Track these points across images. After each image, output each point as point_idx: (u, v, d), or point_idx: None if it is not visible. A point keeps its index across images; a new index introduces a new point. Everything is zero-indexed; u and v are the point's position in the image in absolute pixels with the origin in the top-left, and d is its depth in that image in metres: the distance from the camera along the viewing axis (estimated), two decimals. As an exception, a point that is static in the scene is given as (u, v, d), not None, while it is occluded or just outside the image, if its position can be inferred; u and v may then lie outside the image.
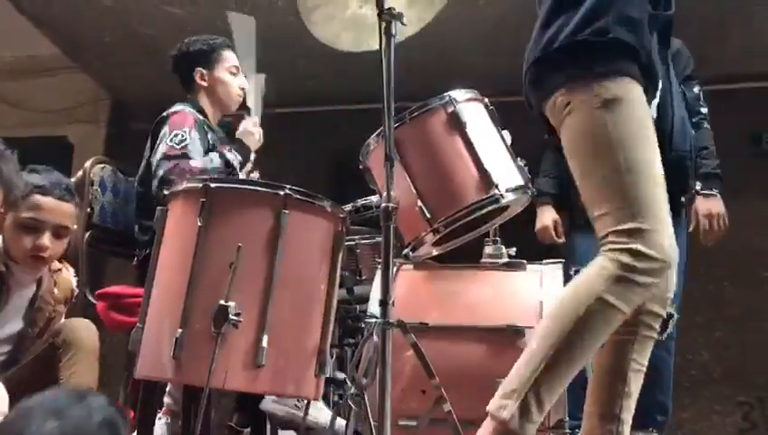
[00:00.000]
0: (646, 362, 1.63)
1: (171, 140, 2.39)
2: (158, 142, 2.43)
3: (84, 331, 2.09)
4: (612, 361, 1.61)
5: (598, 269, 1.55)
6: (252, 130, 2.60)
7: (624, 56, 1.61)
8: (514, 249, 2.13)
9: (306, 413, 2.08)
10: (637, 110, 1.60)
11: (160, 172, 2.32)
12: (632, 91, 1.61)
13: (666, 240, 1.55)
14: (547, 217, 3.09)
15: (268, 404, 2.25)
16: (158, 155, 2.38)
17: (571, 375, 1.53)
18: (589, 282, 1.54)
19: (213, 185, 1.62)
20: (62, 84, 4.99)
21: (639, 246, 1.52)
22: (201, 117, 2.57)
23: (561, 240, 3.07)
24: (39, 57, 4.95)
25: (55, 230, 2.05)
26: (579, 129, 1.63)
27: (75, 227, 2.17)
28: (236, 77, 2.70)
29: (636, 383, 1.62)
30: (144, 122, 2.91)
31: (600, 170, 1.59)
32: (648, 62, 1.64)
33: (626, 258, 1.52)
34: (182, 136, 2.40)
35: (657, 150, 1.60)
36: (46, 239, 2.02)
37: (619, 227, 1.55)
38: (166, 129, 2.44)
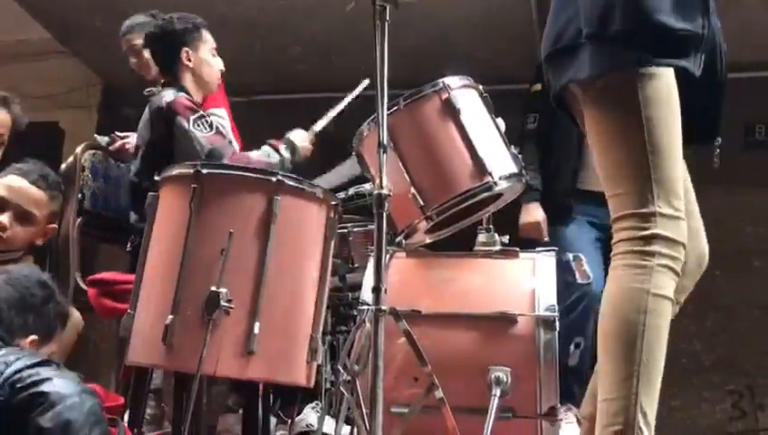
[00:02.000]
0: None
1: (198, 127, 2.34)
2: (179, 139, 2.37)
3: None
4: None
5: (632, 268, 1.55)
6: (308, 144, 2.61)
7: (662, 42, 1.58)
8: (507, 237, 2.12)
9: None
10: (670, 95, 1.59)
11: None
12: (667, 76, 1.59)
13: (684, 225, 1.56)
14: (538, 213, 3.04)
15: None
16: (202, 148, 2.33)
17: (660, 376, 1.53)
18: (631, 285, 1.54)
19: (204, 171, 1.61)
20: (53, 69, 4.94)
21: (661, 231, 1.53)
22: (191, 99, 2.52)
23: (546, 238, 3.04)
24: (29, 42, 4.90)
25: (19, 213, 2.02)
26: (608, 108, 1.62)
27: (45, 219, 2.13)
28: (216, 58, 2.66)
29: None
30: (136, 107, 2.88)
31: (624, 148, 1.58)
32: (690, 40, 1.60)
33: (653, 246, 1.53)
34: (208, 119, 2.39)
35: (679, 128, 1.59)
36: (5, 218, 2.00)
37: (640, 210, 1.55)
38: (179, 120, 2.37)
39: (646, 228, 1.54)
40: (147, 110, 2.57)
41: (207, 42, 2.65)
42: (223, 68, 2.66)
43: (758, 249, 4.26)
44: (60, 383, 1.38)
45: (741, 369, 4.11)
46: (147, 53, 2.82)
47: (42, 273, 1.77)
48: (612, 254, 1.62)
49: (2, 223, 2.00)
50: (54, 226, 2.21)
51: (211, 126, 2.37)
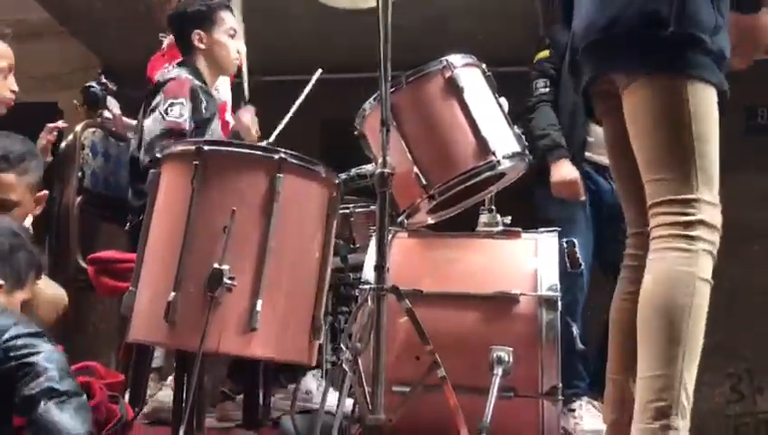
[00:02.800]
0: None
1: (168, 112, 2.33)
2: (151, 109, 2.39)
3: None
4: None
5: (679, 252, 1.59)
6: (249, 124, 2.56)
7: (720, 65, 1.67)
8: (509, 218, 2.12)
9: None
10: (714, 107, 1.65)
11: (156, 148, 2.27)
12: (713, 95, 1.65)
13: (719, 212, 1.63)
14: (572, 169, 2.83)
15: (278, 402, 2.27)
16: (155, 124, 2.32)
17: (699, 355, 1.59)
18: (681, 268, 1.59)
19: (206, 148, 1.60)
20: (52, 50, 4.91)
21: (703, 217, 1.59)
22: (198, 82, 2.50)
23: (583, 198, 2.86)
24: (28, 22, 4.86)
25: None
26: (658, 95, 1.65)
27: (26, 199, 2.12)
28: (234, 39, 2.63)
29: None
30: (135, 89, 2.86)
31: (671, 132, 1.63)
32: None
33: (696, 232, 1.59)
34: (180, 110, 2.35)
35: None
36: None
37: (684, 196, 1.60)
38: (161, 96, 2.38)
39: (689, 214, 1.59)
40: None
41: (224, 22, 2.61)
42: (244, 48, 2.64)
43: (759, 233, 4.27)
44: (49, 357, 1.48)
45: (740, 353, 4.13)
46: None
47: (13, 223, 1.87)
48: (652, 237, 1.65)
49: None
50: (44, 192, 2.20)
51: (181, 115, 2.34)
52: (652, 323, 1.60)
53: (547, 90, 2.98)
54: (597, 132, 2.83)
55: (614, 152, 1.89)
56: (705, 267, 1.59)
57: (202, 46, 2.59)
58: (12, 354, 1.46)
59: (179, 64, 2.61)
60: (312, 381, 2.56)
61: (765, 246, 4.28)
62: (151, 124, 2.35)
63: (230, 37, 2.63)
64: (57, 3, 4.46)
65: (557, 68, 2.96)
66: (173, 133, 2.29)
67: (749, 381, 4.13)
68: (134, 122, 2.82)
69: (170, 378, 2.73)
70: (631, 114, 1.70)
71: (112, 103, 2.80)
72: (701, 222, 1.59)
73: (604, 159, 2.60)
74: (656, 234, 1.64)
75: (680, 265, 1.59)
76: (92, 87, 2.76)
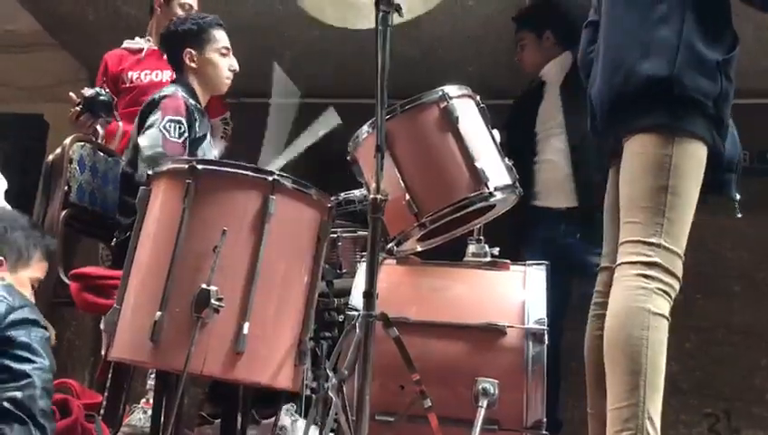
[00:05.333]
0: None
1: (168, 129, 2.31)
2: (148, 125, 2.35)
3: None
4: None
5: (635, 289, 1.74)
6: None
7: (717, 127, 1.85)
8: (498, 249, 2.12)
9: None
10: (702, 163, 1.83)
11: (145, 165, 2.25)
12: (699, 153, 1.82)
13: (681, 263, 1.78)
14: None
15: None
16: (153, 141, 2.30)
17: (662, 385, 1.71)
18: (636, 305, 1.73)
19: (200, 166, 1.58)
20: (41, 61, 4.87)
21: (661, 261, 1.74)
22: (193, 101, 2.49)
23: None
24: (18, 32, 4.83)
25: None
26: (646, 147, 1.82)
27: None
28: (226, 58, 2.61)
29: None
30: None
31: (649, 182, 1.80)
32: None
33: (653, 272, 1.74)
34: (182, 127, 2.35)
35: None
36: None
37: (647, 239, 1.76)
38: (159, 114, 2.35)
39: (649, 255, 1.75)
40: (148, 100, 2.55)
41: (215, 41, 2.60)
42: (236, 67, 2.62)
43: (739, 274, 4.30)
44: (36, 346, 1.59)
45: (718, 392, 4.13)
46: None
47: (9, 209, 2.10)
48: (615, 274, 1.81)
49: None
50: None
51: (180, 136, 2.34)
52: (614, 357, 1.74)
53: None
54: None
55: (610, 197, 2.07)
56: (660, 305, 1.73)
57: (193, 65, 2.57)
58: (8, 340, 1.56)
59: (174, 82, 2.60)
60: (285, 417, 2.53)
61: (744, 287, 4.32)
62: (152, 140, 2.31)
63: (222, 56, 2.60)
64: (49, 14, 4.43)
65: None
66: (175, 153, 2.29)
67: (727, 421, 4.14)
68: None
69: (143, 400, 2.68)
70: (623, 163, 1.88)
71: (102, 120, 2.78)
72: (658, 265, 1.74)
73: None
74: (618, 271, 1.81)
75: (636, 302, 1.73)
76: (102, 94, 2.73)
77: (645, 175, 1.81)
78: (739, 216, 1.97)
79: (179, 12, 3.00)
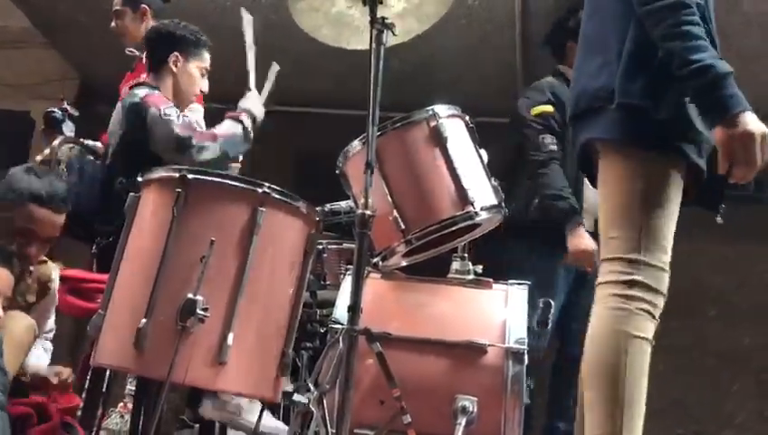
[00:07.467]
0: None
1: (170, 114, 2.35)
2: (150, 123, 2.36)
3: (19, 322, 2.04)
4: None
5: (614, 311, 1.67)
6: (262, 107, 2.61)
7: (687, 140, 1.73)
8: (480, 267, 2.15)
9: (258, 420, 2.06)
10: (677, 176, 1.73)
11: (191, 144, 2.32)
12: (675, 168, 1.73)
13: (666, 277, 1.70)
14: (590, 240, 2.75)
15: (207, 410, 2.24)
16: (169, 139, 2.33)
17: (642, 409, 1.66)
18: (613, 327, 1.66)
19: (190, 176, 1.59)
20: (30, 59, 4.86)
21: (642, 278, 1.67)
22: None
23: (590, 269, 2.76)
24: (8, 29, 4.81)
25: (44, 240, 2.04)
26: (621, 163, 1.75)
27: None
28: (203, 78, 2.64)
29: None
30: (110, 106, 2.85)
31: (625, 196, 1.72)
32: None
33: (633, 291, 1.66)
34: (178, 111, 2.39)
35: (677, 211, 1.73)
36: (34, 249, 2.05)
37: (626, 256, 1.68)
38: (152, 108, 2.36)
39: (629, 273, 1.68)
40: (119, 107, 2.54)
41: (201, 59, 2.63)
42: (206, 89, 2.65)
43: (715, 298, 4.37)
44: None
45: (691, 413, 4.19)
46: (128, 19, 3.04)
47: None
48: (596, 295, 1.74)
49: (31, 254, 2.07)
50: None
51: (179, 117, 2.37)
52: (592, 382, 1.68)
53: (556, 147, 2.88)
54: (588, 198, 2.88)
55: None
56: (641, 326, 1.66)
57: (174, 69, 2.58)
58: None
59: (140, 85, 2.57)
60: (270, 420, 2.53)
61: (719, 310, 4.39)
62: (163, 130, 2.34)
63: (201, 75, 2.64)
64: (41, 13, 4.42)
65: (561, 126, 2.90)
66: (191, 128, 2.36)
67: (697, 442, 4.20)
68: (96, 143, 2.82)
69: (120, 405, 2.67)
70: (599, 179, 1.82)
71: (68, 127, 2.82)
72: (639, 283, 1.67)
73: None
74: (599, 291, 1.74)
75: (614, 324, 1.67)
76: (53, 112, 2.82)
77: (621, 189, 1.75)
78: (719, 219, 1.88)
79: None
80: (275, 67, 2.60)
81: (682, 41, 1.62)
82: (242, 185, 1.62)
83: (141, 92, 2.46)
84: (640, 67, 1.72)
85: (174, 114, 2.37)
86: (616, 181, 1.76)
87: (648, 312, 1.67)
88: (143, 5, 3.11)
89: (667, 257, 1.71)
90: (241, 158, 2.76)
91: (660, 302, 1.69)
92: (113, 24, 3.17)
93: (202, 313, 1.49)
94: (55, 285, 2.25)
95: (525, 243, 2.96)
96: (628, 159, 1.74)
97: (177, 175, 1.60)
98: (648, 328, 1.67)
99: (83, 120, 3.10)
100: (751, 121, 1.58)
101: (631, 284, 1.67)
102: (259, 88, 2.66)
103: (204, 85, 2.64)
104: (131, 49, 3.08)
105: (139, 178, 1.71)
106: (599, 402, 1.65)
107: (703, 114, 1.68)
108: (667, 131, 1.71)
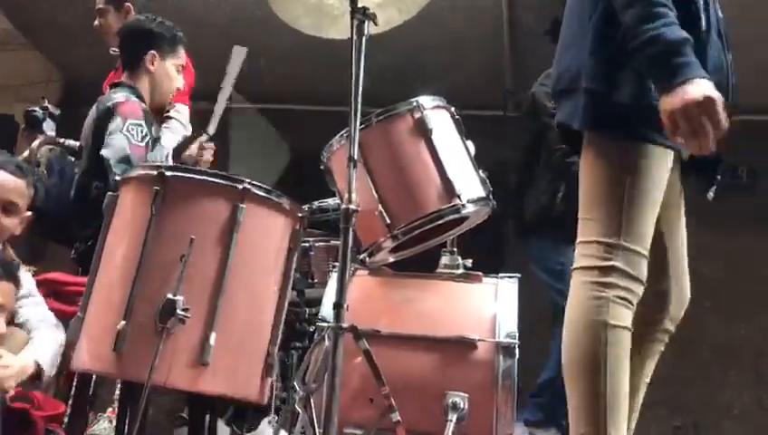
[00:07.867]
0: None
1: (132, 132, 2.28)
2: (110, 132, 2.31)
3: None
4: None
5: (591, 300, 1.57)
6: (206, 154, 2.42)
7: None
8: (470, 261, 2.11)
9: None
10: (661, 163, 1.62)
11: (118, 171, 2.20)
12: (658, 157, 1.62)
13: (645, 263, 1.59)
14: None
15: None
16: (118, 150, 2.26)
17: (626, 401, 1.57)
18: (590, 317, 1.56)
19: (168, 173, 1.55)
20: (13, 61, 4.81)
21: (620, 264, 1.56)
22: (144, 105, 2.44)
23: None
24: (-11, 31, 4.77)
25: (4, 205, 1.96)
26: (602, 146, 1.64)
27: (25, 207, 2.06)
28: (179, 75, 2.59)
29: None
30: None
31: (606, 175, 1.61)
32: None
33: (610, 278, 1.56)
34: (143, 130, 2.31)
35: (660, 198, 1.63)
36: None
37: (606, 239, 1.58)
38: (118, 119, 2.31)
39: (606, 259, 1.57)
40: (94, 109, 2.50)
41: (177, 57, 2.57)
42: (181, 87, 2.59)
43: (710, 290, 4.35)
44: None
45: (687, 406, 4.18)
46: (111, 17, 2.97)
47: None
48: (572, 282, 1.63)
49: None
50: (30, 214, 2.13)
51: (143, 139, 2.31)
52: (572, 376, 1.59)
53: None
54: None
55: None
56: (619, 315, 1.55)
57: (151, 69, 2.52)
58: None
59: (119, 85, 2.52)
60: (267, 430, 2.49)
61: (715, 303, 4.37)
62: (117, 146, 2.27)
63: (178, 73, 2.58)
64: (23, 14, 4.38)
65: None
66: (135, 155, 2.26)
67: (695, 432, 4.18)
68: (77, 143, 2.77)
69: (109, 409, 2.63)
70: (582, 158, 1.71)
71: (49, 126, 2.77)
72: (616, 268, 1.56)
73: None
74: (574, 277, 1.63)
75: (591, 314, 1.56)
76: (34, 111, 2.78)
77: (599, 164, 1.64)
78: (710, 195, 1.78)
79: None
80: (241, 50, 2.36)
81: (637, 8, 1.49)
82: (221, 181, 1.58)
83: (118, 97, 2.40)
84: (604, 42, 1.60)
85: (136, 134, 2.30)
86: (594, 165, 1.65)
87: (626, 299, 1.56)
88: (127, 3, 3.06)
89: (646, 243, 1.60)
90: None
91: (639, 289, 1.58)
92: (96, 22, 3.12)
93: (182, 313, 1.45)
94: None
95: (550, 237, 2.93)
96: (604, 144, 1.64)
97: (155, 172, 1.56)
98: (627, 317, 1.57)
99: (68, 122, 3.06)
100: (692, 90, 1.41)
101: (609, 270, 1.56)
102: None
103: (179, 82, 2.59)
104: (115, 48, 3.02)
105: (118, 177, 1.67)
106: (580, 397, 1.57)
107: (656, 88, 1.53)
108: (632, 116, 1.59)
